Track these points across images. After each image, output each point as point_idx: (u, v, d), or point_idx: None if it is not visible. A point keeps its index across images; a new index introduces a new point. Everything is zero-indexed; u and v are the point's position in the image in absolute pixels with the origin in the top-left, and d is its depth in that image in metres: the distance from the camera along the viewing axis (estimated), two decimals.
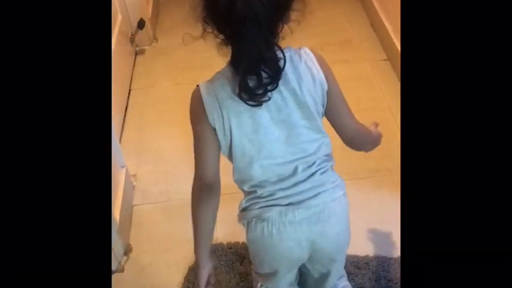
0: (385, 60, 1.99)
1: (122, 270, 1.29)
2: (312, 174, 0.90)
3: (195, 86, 0.86)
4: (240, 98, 0.80)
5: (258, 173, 0.88)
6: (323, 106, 0.89)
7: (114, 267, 1.28)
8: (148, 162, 1.64)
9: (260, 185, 0.89)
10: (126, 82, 1.99)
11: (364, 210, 1.40)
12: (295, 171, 0.89)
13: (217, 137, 0.86)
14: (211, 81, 0.85)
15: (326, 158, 0.93)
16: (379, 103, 1.80)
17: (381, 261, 1.23)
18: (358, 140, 1.01)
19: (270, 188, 0.89)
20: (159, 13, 2.45)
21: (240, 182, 0.92)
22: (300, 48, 0.86)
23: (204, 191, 0.91)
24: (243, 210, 0.93)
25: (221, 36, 0.79)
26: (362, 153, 1.58)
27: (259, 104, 0.81)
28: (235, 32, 0.76)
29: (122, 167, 1.45)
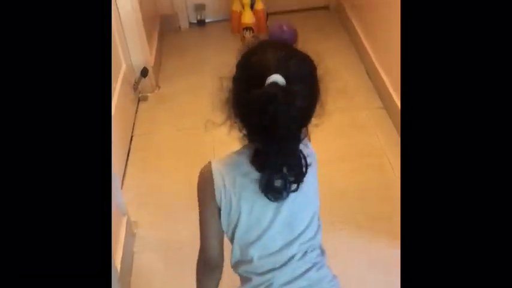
0: (381, 108, 2.04)
1: None
2: (309, 269, 0.88)
3: (207, 162, 0.88)
4: (266, 196, 0.82)
5: (257, 254, 0.88)
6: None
7: None
8: (149, 209, 1.66)
9: (255, 272, 0.88)
10: (128, 128, 2.04)
11: (362, 258, 1.41)
12: (291, 260, 0.87)
13: (220, 218, 0.87)
14: (224, 160, 0.87)
15: (320, 250, 0.93)
16: (376, 150, 1.83)
17: None
18: None
19: (266, 277, 0.88)
20: (161, 61, 2.52)
21: (237, 265, 0.91)
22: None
23: (207, 266, 0.93)
24: None
25: (245, 132, 0.82)
26: (361, 200, 1.61)
27: (279, 200, 0.83)
28: (264, 138, 0.79)
29: (124, 214, 1.47)
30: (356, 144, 1.86)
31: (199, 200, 0.89)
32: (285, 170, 0.81)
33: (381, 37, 2.11)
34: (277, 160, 0.80)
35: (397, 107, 1.88)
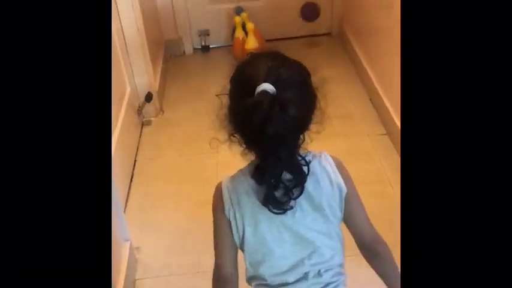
0: (384, 134, 2.04)
1: None
2: (324, 287, 0.88)
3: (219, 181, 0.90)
4: (267, 207, 0.82)
5: (267, 273, 0.87)
6: (341, 211, 0.90)
7: None
8: (151, 235, 1.65)
9: (269, 285, 0.88)
10: (132, 152, 2.04)
11: (365, 286, 1.39)
12: (305, 276, 0.87)
13: (232, 230, 0.87)
14: (232, 177, 0.89)
15: (339, 270, 0.91)
16: (380, 177, 1.83)
17: None
18: (375, 248, 0.99)
19: None
20: (165, 86, 2.54)
21: (251, 280, 0.91)
22: (319, 153, 0.89)
23: (220, 282, 0.90)
24: None
25: (245, 146, 0.83)
26: None
27: (284, 212, 0.82)
28: (261, 149, 0.79)
29: (126, 240, 1.46)
30: (359, 171, 1.83)
31: (213, 215, 0.90)
32: (285, 180, 0.80)
33: (383, 62, 2.12)
34: (275, 170, 0.79)
35: (399, 132, 1.89)
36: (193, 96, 2.42)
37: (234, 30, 2.73)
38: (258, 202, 0.83)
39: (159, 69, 2.48)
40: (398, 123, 1.93)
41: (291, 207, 0.83)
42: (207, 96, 2.31)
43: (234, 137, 0.83)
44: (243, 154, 0.85)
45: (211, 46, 2.87)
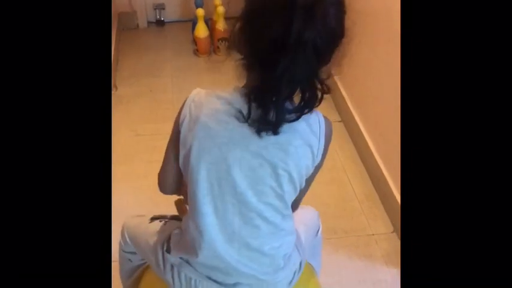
0: (339, 121, 2.09)
1: None
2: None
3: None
4: (257, 131, 0.74)
5: (208, 210, 0.80)
6: (305, 179, 0.83)
7: None
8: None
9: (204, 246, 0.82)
10: None
11: (321, 273, 1.45)
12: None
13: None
14: (208, 92, 0.79)
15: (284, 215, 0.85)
16: (334, 163, 1.89)
17: None
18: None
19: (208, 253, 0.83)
20: (118, 61, 2.46)
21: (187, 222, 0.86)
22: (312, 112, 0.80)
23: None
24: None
25: (256, 59, 0.72)
26: (322, 214, 1.64)
27: (274, 132, 0.75)
28: (281, 59, 0.68)
29: None
30: None
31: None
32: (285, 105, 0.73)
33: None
34: (289, 86, 0.71)
35: (355, 120, 1.94)
36: (147, 72, 2.36)
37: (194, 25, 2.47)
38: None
39: (113, 43, 2.39)
40: (353, 111, 1.98)
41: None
42: (162, 73, 2.27)
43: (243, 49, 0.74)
44: (240, 69, 0.76)
45: (166, 20, 2.79)
